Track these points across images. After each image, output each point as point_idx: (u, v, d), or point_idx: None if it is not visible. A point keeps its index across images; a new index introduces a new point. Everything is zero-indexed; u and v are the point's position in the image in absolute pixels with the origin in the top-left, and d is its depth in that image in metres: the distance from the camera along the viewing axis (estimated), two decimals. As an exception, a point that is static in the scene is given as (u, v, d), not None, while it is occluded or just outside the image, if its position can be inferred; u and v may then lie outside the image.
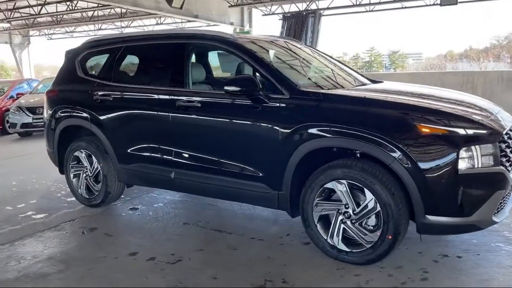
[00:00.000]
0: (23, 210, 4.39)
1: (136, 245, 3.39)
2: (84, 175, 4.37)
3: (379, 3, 13.62)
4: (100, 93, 4.12)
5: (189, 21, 17.16)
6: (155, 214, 4.14)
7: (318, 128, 2.91)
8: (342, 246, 2.93)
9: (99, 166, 4.21)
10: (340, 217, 2.92)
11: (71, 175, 4.46)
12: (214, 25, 14.86)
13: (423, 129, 2.62)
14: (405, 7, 13.85)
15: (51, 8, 17.38)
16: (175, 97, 3.59)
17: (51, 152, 4.67)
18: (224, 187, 3.44)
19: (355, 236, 2.88)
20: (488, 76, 10.35)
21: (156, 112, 3.76)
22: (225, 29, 15.16)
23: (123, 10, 16.18)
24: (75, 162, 4.43)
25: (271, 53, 3.74)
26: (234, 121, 3.32)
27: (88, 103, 4.19)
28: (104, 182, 4.19)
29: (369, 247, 2.82)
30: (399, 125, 2.70)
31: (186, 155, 3.61)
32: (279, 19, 15.13)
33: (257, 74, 3.37)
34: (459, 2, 11.52)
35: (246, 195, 3.36)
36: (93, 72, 4.44)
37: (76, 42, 26.82)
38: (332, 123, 2.87)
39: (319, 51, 4.50)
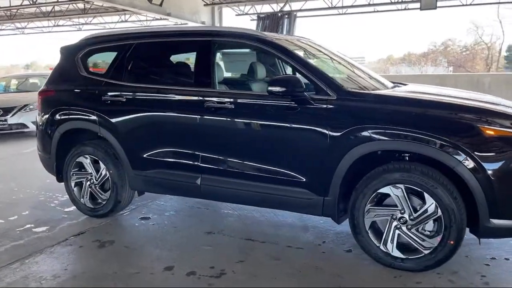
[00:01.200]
0: (18, 223, 3.95)
1: (167, 258, 3.12)
2: (89, 183, 3.99)
3: (352, 6, 13.85)
4: (110, 93, 3.78)
5: (156, 19, 16.67)
6: (171, 224, 3.85)
7: (373, 131, 2.79)
8: (397, 253, 2.83)
9: (107, 173, 3.86)
10: (395, 223, 2.82)
11: (72, 183, 4.07)
12: (184, 23, 14.45)
13: (487, 131, 2.57)
14: (377, 11, 14.19)
15: (3, 2, 16.25)
16: (204, 98, 3.35)
17: (47, 159, 4.24)
18: (261, 193, 3.24)
19: (412, 242, 2.79)
20: (459, 79, 10.80)
21: (179, 114, 3.50)
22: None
23: (88, 6, 15.38)
24: (77, 169, 4.05)
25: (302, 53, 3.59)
26: (274, 123, 3.13)
27: (95, 104, 3.84)
28: (114, 190, 3.85)
29: (428, 253, 2.74)
30: (462, 127, 2.64)
31: (216, 160, 3.37)
32: (251, 20, 15.02)
33: (297, 74, 3.20)
34: (438, 7, 11.92)
35: (286, 201, 3.18)
36: (98, 71, 4.08)
37: (28, 39, 25.26)
38: (388, 125, 2.76)
39: (337, 51, 4.39)
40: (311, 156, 3.01)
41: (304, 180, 3.06)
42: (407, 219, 2.77)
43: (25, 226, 3.87)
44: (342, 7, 13.83)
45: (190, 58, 4.01)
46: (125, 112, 3.72)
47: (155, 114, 3.60)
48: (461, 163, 2.57)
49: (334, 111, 2.92)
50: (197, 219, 3.98)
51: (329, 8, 13.79)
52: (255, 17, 14.59)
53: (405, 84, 3.95)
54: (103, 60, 4.44)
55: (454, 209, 2.62)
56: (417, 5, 11.79)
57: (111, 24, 20.01)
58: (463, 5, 13.03)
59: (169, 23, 16.36)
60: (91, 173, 3.97)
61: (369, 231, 2.90)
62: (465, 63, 40.00)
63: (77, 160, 4.01)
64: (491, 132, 2.57)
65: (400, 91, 3.31)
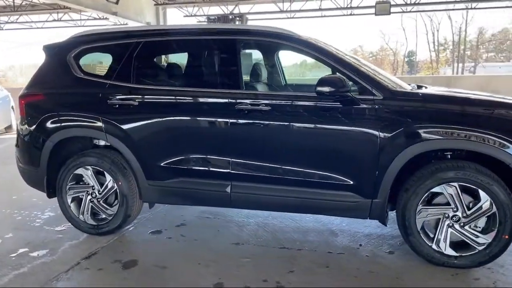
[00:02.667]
0: (7, 248, 3.40)
1: (210, 275, 2.86)
2: (89, 197, 3.56)
3: (300, 10, 14.11)
4: (118, 96, 3.41)
5: (91, 18, 15.67)
6: (190, 237, 3.56)
7: (428, 130, 2.78)
8: (450, 251, 2.84)
9: (115, 185, 3.46)
10: (447, 222, 2.84)
11: (68, 199, 3.59)
12: (125, 24, 13.71)
13: None
14: (325, 16, 14.60)
15: None
16: (235, 100, 3.13)
17: (33, 172, 3.70)
18: (301, 198, 3.10)
19: (465, 239, 2.82)
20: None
21: (206, 118, 3.24)
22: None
23: (24, 3, 13.98)
24: (73, 183, 3.59)
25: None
26: (318, 125, 3.00)
27: (100, 109, 3.43)
28: (124, 203, 3.46)
29: (482, 249, 2.78)
30: None
31: (250, 166, 3.16)
32: (198, 22, 14.66)
33: (338, 74, 3.10)
34: (392, 13, 12.48)
35: (328, 206, 3.07)
36: (98, 72, 3.66)
37: None
38: (443, 125, 2.77)
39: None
40: (360, 158, 2.93)
41: (352, 183, 2.97)
42: (460, 216, 2.80)
43: (18, 251, 3.34)
44: (291, 11, 14.07)
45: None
46: (138, 117, 3.37)
47: (176, 119, 3.30)
48: None
49: (383, 111, 2.87)
50: (214, 229, 3.72)
51: (279, 12, 13.94)
52: (202, 18, 14.30)
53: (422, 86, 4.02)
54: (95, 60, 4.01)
55: (509, 205, 2.69)
56: (361, 10, 12.34)
57: (39, 23, 18.42)
58: (410, 11, 13.89)
59: (108, 23, 15.49)
60: (92, 186, 3.54)
61: (420, 231, 2.89)
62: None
63: (75, 172, 3.55)
64: None
65: (437, 90, 3.33)
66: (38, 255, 3.26)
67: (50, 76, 3.73)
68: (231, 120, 3.14)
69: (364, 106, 2.90)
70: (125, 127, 3.38)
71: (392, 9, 12.25)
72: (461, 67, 37.41)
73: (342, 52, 3.34)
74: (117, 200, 3.52)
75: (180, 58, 3.77)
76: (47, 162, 3.60)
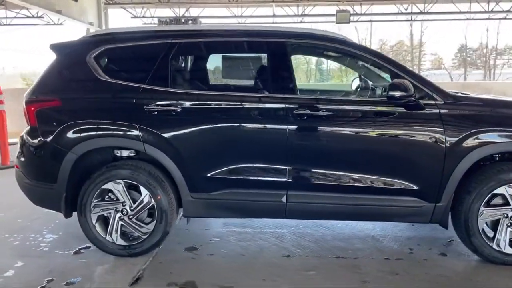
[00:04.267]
0: (29, 279, 2.92)
1: (286, 293, 2.68)
2: (119, 214, 3.18)
3: (251, 16, 14.13)
4: (156, 102, 3.09)
5: (24, 16, 14.33)
6: (233, 252, 3.33)
7: (493, 134, 2.89)
8: (510, 250, 2.96)
9: (152, 200, 3.14)
10: (507, 222, 2.95)
11: (93, 218, 3.18)
12: (60, 23, 12.68)
13: None
14: (276, 22, 14.74)
15: None
16: (292, 106, 3.00)
17: (46, 189, 3.22)
18: (361, 205, 3.05)
19: (524, 238, 2.95)
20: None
21: (259, 124, 3.06)
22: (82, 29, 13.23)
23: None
24: (99, 199, 3.19)
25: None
26: (382, 130, 2.98)
27: (136, 116, 3.10)
28: (163, 219, 3.15)
29: (539, 246, 2.94)
30: None
31: (308, 173, 3.05)
32: (143, 24, 14.03)
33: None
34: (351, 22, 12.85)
35: (391, 212, 3.06)
36: (126, 75, 3.28)
37: None
38: (504, 128, 2.89)
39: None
40: (425, 163, 2.95)
41: (416, 188, 2.98)
42: (520, 215, 2.93)
43: (43, 282, 2.87)
44: (242, 16, 14.03)
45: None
46: (182, 125, 3.09)
47: (224, 125, 3.07)
48: None
49: (447, 115, 2.92)
50: (252, 243, 3.51)
51: (231, 16, 13.81)
52: (149, 20, 13.70)
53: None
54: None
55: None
56: (313, 18, 12.71)
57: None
58: (370, 20, 14.50)
59: (41, 22, 14.26)
60: (123, 202, 3.17)
61: (481, 233, 2.97)
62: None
63: (102, 187, 3.16)
64: None
65: (483, 95, 3.46)
66: (75, 284, 2.83)
67: (66, 79, 3.29)
68: (289, 127, 3.00)
69: (429, 111, 2.93)
70: (166, 135, 3.07)
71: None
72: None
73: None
74: (149, 217, 3.21)
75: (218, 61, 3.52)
76: (67, 177, 3.16)
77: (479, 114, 2.96)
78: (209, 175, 3.10)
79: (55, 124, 3.16)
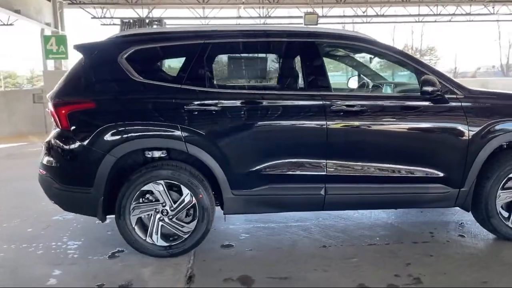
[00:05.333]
0: (75, 285, 2.85)
1: (339, 278, 2.83)
2: (158, 215, 3.18)
3: (215, 17, 14.15)
4: (196, 102, 3.13)
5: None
6: (269, 246, 3.43)
7: (508, 123, 3.22)
8: (521, 229, 3.32)
9: (193, 199, 3.17)
10: (520, 203, 3.31)
11: (132, 220, 3.16)
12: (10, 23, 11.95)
13: None
14: (240, 24, 14.83)
15: None
16: (329, 102, 3.17)
17: (82, 194, 3.14)
18: (393, 194, 3.28)
19: (534, 219, 3.32)
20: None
21: (297, 121, 3.20)
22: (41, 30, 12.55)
23: None
24: (137, 201, 3.17)
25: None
26: (414, 123, 3.23)
27: (176, 116, 3.12)
28: (205, 217, 3.19)
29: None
30: None
31: (345, 166, 3.22)
32: (102, 24, 13.59)
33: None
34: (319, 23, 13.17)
35: (419, 198, 3.32)
36: (160, 75, 3.29)
37: None
38: None
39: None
40: (451, 152, 3.23)
41: (442, 175, 3.25)
42: (531, 199, 3.30)
43: None
44: (206, 17, 13.99)
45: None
46: (222, 124, 3.15)
47: (264, 123, 3.18)
48: None
49: (469, 108, 3.22)
50: (282, 236, 3.63)
51: (196, 17, 13.73)
52: (106, 21, 13.28)
53: None
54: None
55: None
56: (278, 20, 13.01)
57: None
58: (342, 23, 15.00)
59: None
60: (163, 203, 3.17)
61: (499, 213, 3.30)
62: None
63: (142, 188, 3.14)
64: None
65: (490, 89, 3.81)
66: (133, 285, 2.80)
67: (97, 80, 3.23)
68: (327, 122, 3.16)
69: (453, 104, 3.21)
70: (207, 134, 3.12)
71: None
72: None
73: None
74: (188, 216, 3.24)
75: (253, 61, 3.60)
76: (105, 181, 3.11)
77: (495, 106, 3.29)
78: (250, 172, 3.19)
79: (90, 126, 3.10)
